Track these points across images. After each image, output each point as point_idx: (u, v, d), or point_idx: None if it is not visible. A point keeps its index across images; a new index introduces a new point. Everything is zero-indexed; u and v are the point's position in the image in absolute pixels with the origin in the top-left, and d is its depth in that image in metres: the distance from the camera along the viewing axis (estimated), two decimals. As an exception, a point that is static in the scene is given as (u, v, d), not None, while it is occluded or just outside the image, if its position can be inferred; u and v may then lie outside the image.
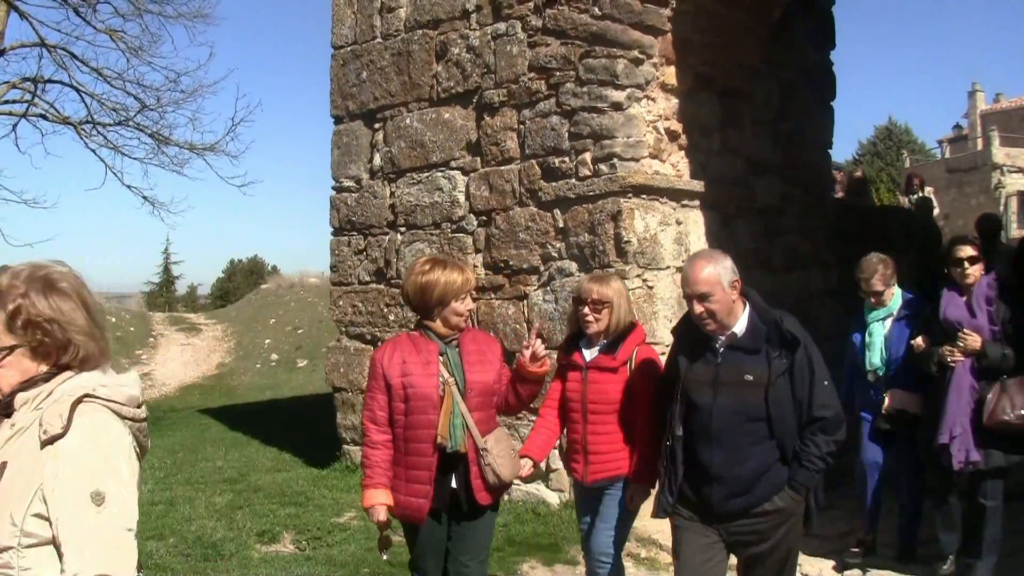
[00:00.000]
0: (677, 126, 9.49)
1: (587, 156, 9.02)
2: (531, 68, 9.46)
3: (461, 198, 10.02)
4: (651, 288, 8.90)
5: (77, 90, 20.89)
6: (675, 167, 9.49)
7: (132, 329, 36.02)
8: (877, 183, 47.82)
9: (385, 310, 10.77)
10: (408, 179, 10.56)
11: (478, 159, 9.90)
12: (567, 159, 9.15)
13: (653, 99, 9.30)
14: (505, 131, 9.63)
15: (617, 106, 8.96)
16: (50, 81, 20.98)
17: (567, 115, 9.16)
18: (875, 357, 7.83)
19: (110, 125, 21.15)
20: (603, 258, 8.81)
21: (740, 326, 4.98)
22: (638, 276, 8.79)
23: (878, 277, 7.72)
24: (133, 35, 20.63)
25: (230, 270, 67.34)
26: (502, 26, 9.72)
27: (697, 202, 9.53)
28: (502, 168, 9.65)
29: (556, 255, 9.22)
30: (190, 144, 21.45)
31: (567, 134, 9.15)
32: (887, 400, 7.66)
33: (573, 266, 9.06)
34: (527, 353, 5.42)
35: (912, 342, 7.38)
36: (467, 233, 9.93)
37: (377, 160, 10.93)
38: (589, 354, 5.91)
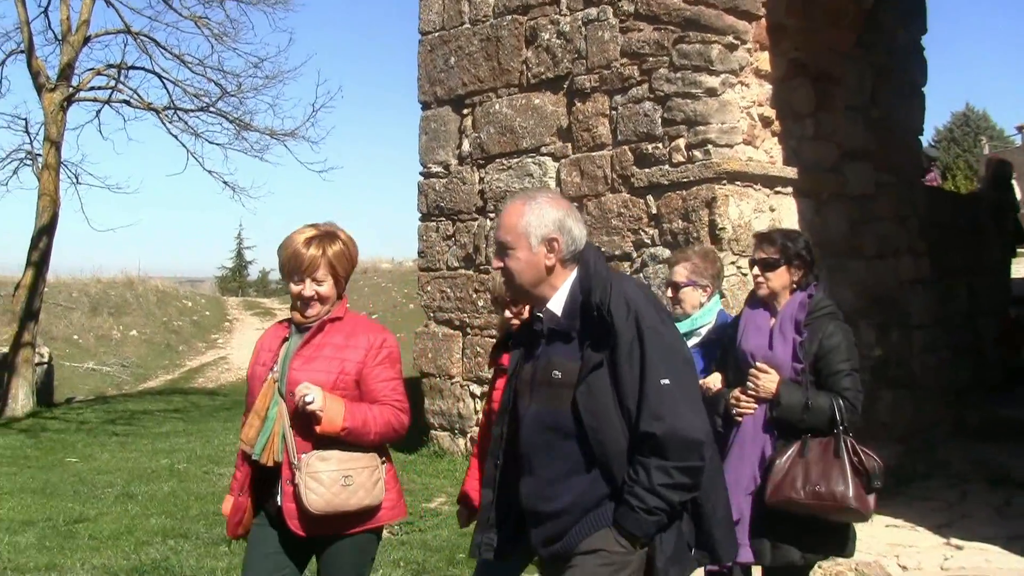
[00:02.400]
0: (770, 112, 9.40)
1: (680, 142, 8.97)
2: (623, 54, 9.43)
3: (552, 184, 10.01)
4: (745, 275, 8.82)
5: (160, 76, 21.11)
6: (768, 153, 9.40)
7: (207, 313, 36.52)
8: (954, 170, 47.03)
9: (474, 296, 10.81)
10: (497, 165, 10.58)
11: (569, 145, 9.89)
12: (660, 145, 9.10)
13: (747, 85, 9.22)
14: (597, 117, 9.61)
15: (711, 92, 8.90)
16: (133, 68, 21.24)
17: (660, 101, 9.12)
18: None
19: (192, 111, 21.36)
20: (696, 245, 8.76)
21: (558, 300, 3.82)
22: (732, 263, 8.73)
23: (684, 268, 5.86)
24: (216, 21, 20.80)
25: (303, 255, 67.82)
26: (593, 11, 9.69)
27: (790, 189, 9.43)
28: (593, 154, 9.63)
29: (649, 242, 9.19)
30: (271, 130, 21.57)
31: (660, 120, 9.10)
32: None
33: (666, 253, 8.99)
34: None
35: (702, 381, 5.01)
36: (558, 219, 9.89)
37: (466, 146, 10.96)
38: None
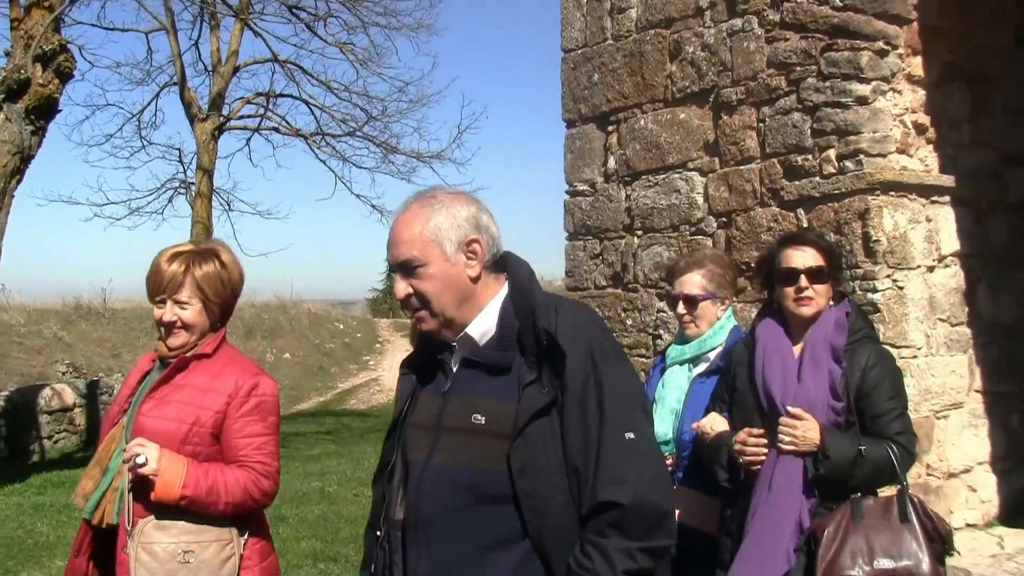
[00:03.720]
0: (924, 119, 9.08)
1: (831, 153, 8.73)
2: (769, 64, 9.24)
3: (699, 199, 9.86)
4: (901, 289, 8.54)
5: (307, 103, 21.75)
6: (923, 162, 9.08)
7: (359, 335, 37.20)
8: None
9: (623, 315, 10.70)
10: (644, 181, 10.47)
11: (716, 159, 9.72)
12: (810, 157, 8.88)
13: (899, 91, 8.92)
14: (744, 130, 9.43)
15: (862, 100, 8.64)
16: (281, 95, 21.98)
17: (809, 111, 8.90)
18: (662, 423, 4.78)
19: (339, 136, 21.81)
20: (851, 258, 8.50)
21: (482, 324, 2.97)
22: (887, 276, 8.45)
23: (700, 276, 4.93)
24: (361, 47, 21.17)
25: (451, 277, 68.57)
26: (738, 22, 9.53)
27: (947, 198, 9.09)
28: (741, 168, 9.45)
29: (800, 256, 8.94)
30: (417, 152, 21.98)
31: (809, 131, 8.88)
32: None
33: (819, 267, 8.77)
34: None
35: (694, 424, 4.43)
36: (706, 235, 9.76)
37: (611, 163, 10.88)
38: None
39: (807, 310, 4.29)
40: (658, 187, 10.30)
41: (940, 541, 3.91)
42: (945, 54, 9.21)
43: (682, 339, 5.05)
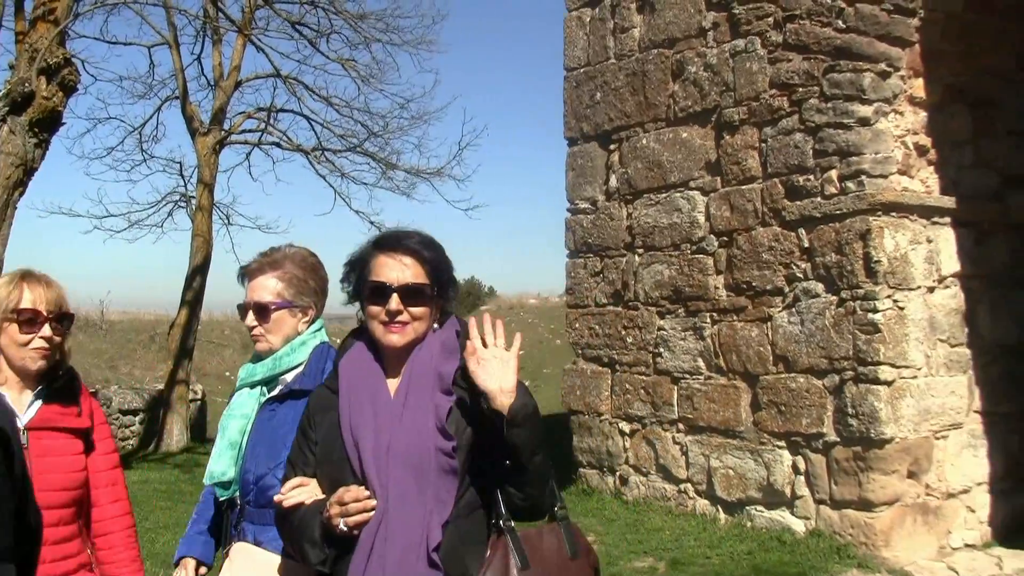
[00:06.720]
0: (926, 140, 9.13)
1: (833, 174, 8.76)
2: (772, 85, 9.28)
3: (701, 218, 9.89)
4: (902, 309, 8.56)
5: (308, 119, 21.64)
6: (924, 183, 9.12)
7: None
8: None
9: (623, 332, 10.72)
10: (645, 200, 10.50)
11: (718, 178, 9.76)
12: (812, 177, 8.91)
13: (901, 113, 8.97)
14: (746, 149, 9.47)
15: (864, 121, 8.68)
16: (283, 110, 21.87)
17: (811, 132, 8.93)
18: (219, 462, 3.88)
19: (339, 151, 21.79)
20: (851, 278, 8.53)
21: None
22: (888, 296, 8.48)
23: (271, 280, 3.89)
24: (363, 63, 21.20)
25: (448, 292, 68.70)
26: (741, 43, 9.57)
27: (948, 219, 9.13)
28: (743, 187, 9.48)
29: (801, 276, 8.98)
30: (416, 169, 21.89)
31: (811, 151, 8.91)
32: (226, 559, 3.82)
33: (820, 287, 8.80)
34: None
35: (276, 499, 3.20)
36: (707, 254, 9.79)
37: (613, 181, 10.92)
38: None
39: (398, 339, 3.18)
40: (660, 206, 10.33)
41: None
42: (948, 76, 9.25)
43: (256, 357, 3.98)
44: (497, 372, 2.99)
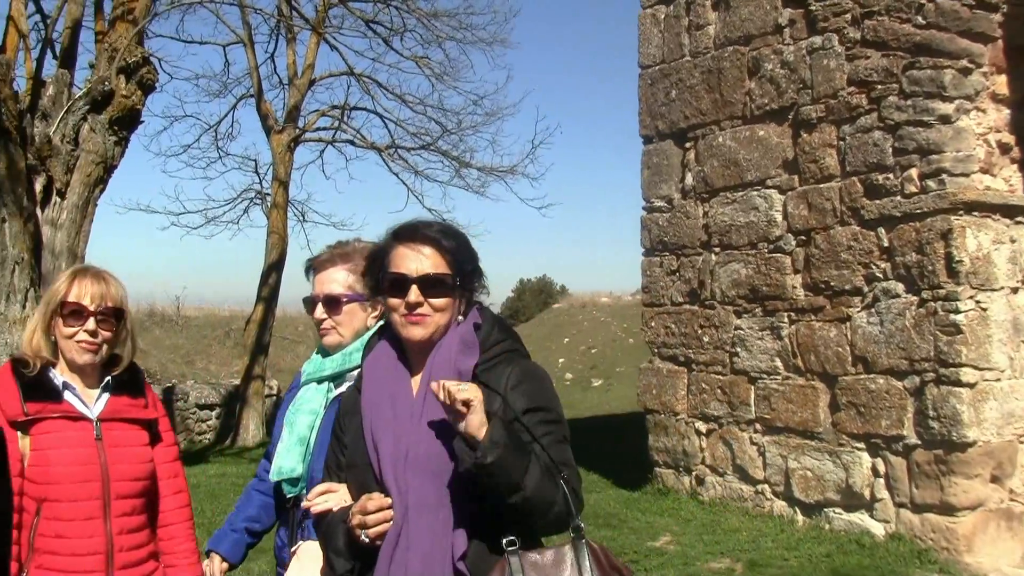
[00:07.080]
0: (1009, 138, 8.97)
1: (913, 172, 8.65)
2: (850, 82, 9.17)
3: (778, 217, 9.81)
4: (984, 310, 8.42)
5: (381, 116, 21.78)
6: (1007, 181, 8.97)
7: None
8: None
9: (699, 331, 10.67)
10: (722, 198, 10.45)
11: (795, 177, 9.67)
12: (891, 175, 8.80)
13: (983, 110, 8.83)
14: (824, 148, 9.37)
15: (945, 119, 8.55)
16: (356, 108, 22.00)
17: (890, 130, 8.82)
18: (287, 457, 3.82)
19: (413, 149, 21.86)
20: (932, 278, 8.42)
21: None
22: (970, 297, 8.35)
23: (341, 272, 3.82)
24: (437, 61, 21.26)
25: (520, 289, 68.68)
26: (818, 40, 9.47)
27: (1032, 218, 8.98)
28: (821, 186, 9.39)
29: (880, 276, 8.87)
30: (489, 167, 21.90)
31: (891, 149, 8.80)
32: (292, 557, 3.70)
33: (900, 287, 8.69)
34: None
35: (304, 504, 3.31)
36: (785, 253, 9.71)
37: (689, 179, 10.87)
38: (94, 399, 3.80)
39: (418, 332, 3.06)
40: (736, 204, 10.26)
41: None
42: (1031, 72, 9.10)
43: (323, 352, 3.93)
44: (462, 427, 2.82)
